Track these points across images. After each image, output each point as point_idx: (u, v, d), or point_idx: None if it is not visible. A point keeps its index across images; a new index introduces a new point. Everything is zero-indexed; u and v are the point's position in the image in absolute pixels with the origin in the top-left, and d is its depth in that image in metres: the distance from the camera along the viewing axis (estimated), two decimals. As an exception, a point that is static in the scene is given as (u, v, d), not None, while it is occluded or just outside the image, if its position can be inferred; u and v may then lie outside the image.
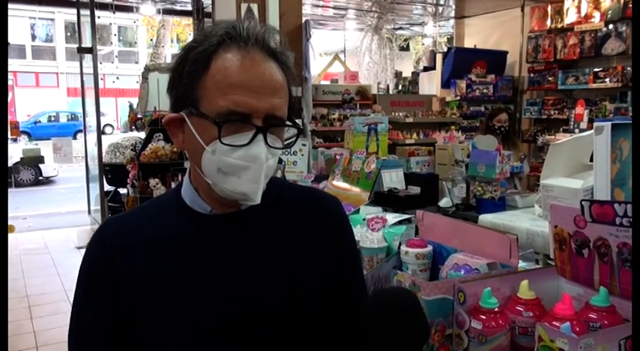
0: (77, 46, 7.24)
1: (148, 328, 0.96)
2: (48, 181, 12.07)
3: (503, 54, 7.48)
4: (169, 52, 17.55)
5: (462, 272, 1.29)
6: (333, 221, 1.11)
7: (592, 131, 1.24)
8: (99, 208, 6.97)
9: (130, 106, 7.35)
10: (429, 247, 1.47)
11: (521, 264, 1.52)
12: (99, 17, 6.82)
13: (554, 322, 1.00)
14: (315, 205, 1.12)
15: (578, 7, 6.38)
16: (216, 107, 0.91)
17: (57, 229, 7.66)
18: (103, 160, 6.90)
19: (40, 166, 11.48)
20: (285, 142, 1.01)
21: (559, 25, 6.62)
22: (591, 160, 1.27)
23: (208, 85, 0.91)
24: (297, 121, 1.03)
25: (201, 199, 1.01)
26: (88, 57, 7.19)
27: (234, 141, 0.91)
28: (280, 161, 3.31)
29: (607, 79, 6.14)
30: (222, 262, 0.99)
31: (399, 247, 1.53)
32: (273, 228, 1.05)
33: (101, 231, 1.04)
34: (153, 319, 0.96)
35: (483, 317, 1.08)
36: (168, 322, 0.95)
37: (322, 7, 9.02)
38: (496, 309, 1.08)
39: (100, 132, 6.77)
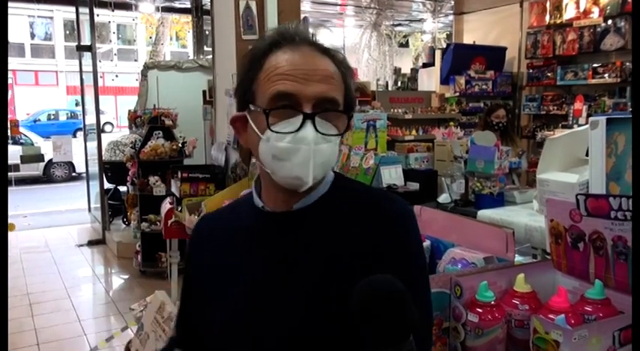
0: (76, 44, 7.24)
1: (209, 308, 1.08)
2: (80, 177, 12.16)
3: (502, 50, 7.47)
4: (168, 49, 17.54)
5: (459, 266, 1.30)
6: (387, 230, 1.00)
7: (587, 126, 1.25)
8: (99, 206, 6.99)
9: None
10: (427, 242, 1.49)
11: (519, 258, 1.53)
12: (98, 15, 6.83)
13: (549, 315, 1.01)
14: (375, 211, 1.03)
15: (577, 3, 6.37)
16: (266, 95, 0.97)
17: (57, 227, 7.67)
18: (103, 158, 6.91)
19: (74, 162, 11.83)
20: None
21: (558, 21, 6.61)
22: (587, 154, 1.28)
23: (261, 79, 0.99)
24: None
25: (257, 195, 1.09)
26: (87, 55, 7.20)
27: (283, 128, 0.95)
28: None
29: (606, 75, 6.14)
30: (266, 256, 1.03)
31: (396, 242, 1.54)
32: (321, 229, 1.02)
33: (195, 225, 1.22)
34: (212, 302, 1.07)
35: (480, 310, 1.09)
36: (218, 305, 1.05)
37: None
38: (492, 302, 1.10)
39: (100, 130, 6.79)
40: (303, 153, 0.95)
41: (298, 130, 0.94)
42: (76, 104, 21.54)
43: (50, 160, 11.08)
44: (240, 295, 1.03)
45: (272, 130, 0.95)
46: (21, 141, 10.62)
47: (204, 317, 1.08)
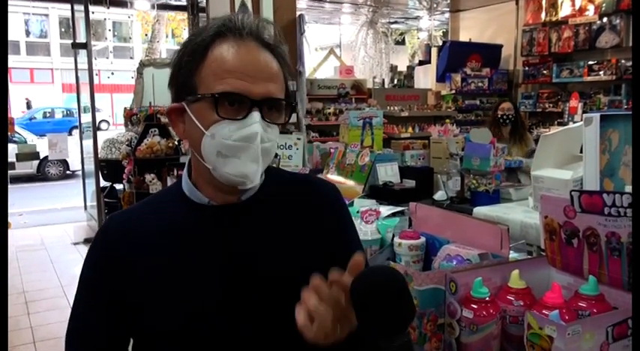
0: (72, 41, 7.21)
1: (152, 314, 1.00)
2: (74, 175, 12.17)
3: (498, 47, 7.49)
4: (164, 47, 17.47)
5: (454, 263, 1.31)
6: (329, 208, 1.14)
7: (582, 122, 1.26)
8: (95, 204, 6.97)
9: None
10: (422, 239, 1.49)
11: (514, 255, 1.53)
12: (93, 12, 6.79)
13: (543, 311, 1.02)
14: (311, 193, 1.14)
15: (573, 1, 6.39)
16: (212, 91, 0.94)
17: (53, 225, 7.66)
18: (99, 155, 6.89)
19: (68, 160, 11.79)
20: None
21: (553, 19, 6.63)
22: (581, 151, 1.28)
23: (205, 73, 0.96)
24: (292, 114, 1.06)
25: (198, 191, 1.04)
26: (82, 52, 7.17)
27: (232, 116, 0.94)
28: (276, 156, 3.32)
29: (601, 72, 6.16)
30: (219, 250, 1.02)
31: (392, 239, 1.55)
32: (271, 217, 1.07)
33: (104, 226, 1.08)
34: (157, 306, 0.99)
35: (474, 306, 1.09)
36: (171, 309, 0.99)
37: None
38: (487, 298, 1.10)
39: (96, 128, 6.77)
40: (252, 150, 0.95)
41: (246, 117, 0.94)
42: (27, 105, 21.47)
43: (44, 158, 11.03)
44: (208, 293, 0.99)
45: (220, 116, 0.93)
46: (14, 139, 10.60)
47: (127, 329, 1.03)
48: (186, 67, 0.97)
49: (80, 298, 1.06)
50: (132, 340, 1.07)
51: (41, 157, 11.20)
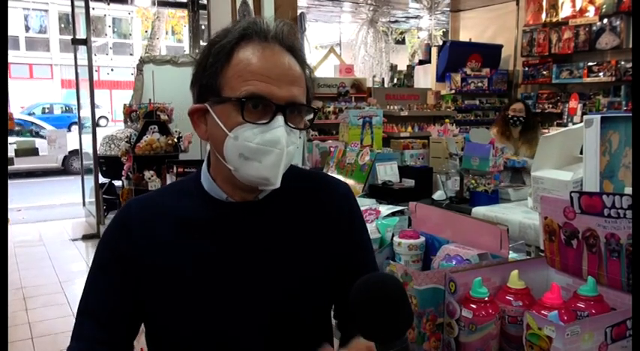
0: (71, 37, 7.20)
1: (164, 303, 1.01)
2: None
3: (498, 48, 7.49)
4: (164, 44, 17.46)
5: (454, 263, 1.31)
6: (343, 208, 1.15)
7: (582, 124, 1.26)
8: (94, 200, 6.97)
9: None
10: (422, 239, 1.49)
11: (513, 255, 1.54)
12: (93, 8, 6.78)
13: (542, 311, 1.02)
14: (326, 192, 1.15)
15: (573, 1, 6.40)
16: (237, 92, 0.95)
17: (52, 221, 7.65)
18: (98, 152, 6.89)
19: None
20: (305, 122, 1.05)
21: (554, 19, 6.64)
22: (581, 152, 1.29)
23: (230, 74, 0.96)
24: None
25: (217, 187, 1.05)
26: (82, 48, 7.16)
27: (256, 120, 0.95)
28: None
29: (601, 73, 6.17)
30: (237, 247, 1.03)
31: (392, 239, 1.55)
32: (286, 216, 1.08)
33: (122, 212, 1.08)
34: (169, 296, 1.01)
35: (474, 306, 1.09)
36: (183, 300, 1.00)
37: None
38: (486, 298, 1.10)
39: (95, 124, 6.76)
40: (275, 155, 0.96)
41: (270, 121, 0.95)
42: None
43: (70, 152, 10.94)
44: (224, 288, 1.01)
45: (245, 119, 0.95)
46: (40, 133, 10.64)
47: (140, 315, 1.04)
48: (211, 69, 0.97)
49: (92, 280, 1.06)
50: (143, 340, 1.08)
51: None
